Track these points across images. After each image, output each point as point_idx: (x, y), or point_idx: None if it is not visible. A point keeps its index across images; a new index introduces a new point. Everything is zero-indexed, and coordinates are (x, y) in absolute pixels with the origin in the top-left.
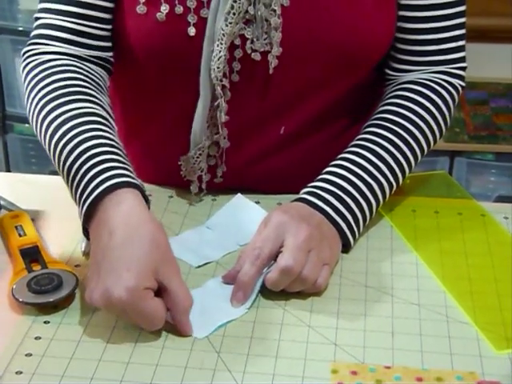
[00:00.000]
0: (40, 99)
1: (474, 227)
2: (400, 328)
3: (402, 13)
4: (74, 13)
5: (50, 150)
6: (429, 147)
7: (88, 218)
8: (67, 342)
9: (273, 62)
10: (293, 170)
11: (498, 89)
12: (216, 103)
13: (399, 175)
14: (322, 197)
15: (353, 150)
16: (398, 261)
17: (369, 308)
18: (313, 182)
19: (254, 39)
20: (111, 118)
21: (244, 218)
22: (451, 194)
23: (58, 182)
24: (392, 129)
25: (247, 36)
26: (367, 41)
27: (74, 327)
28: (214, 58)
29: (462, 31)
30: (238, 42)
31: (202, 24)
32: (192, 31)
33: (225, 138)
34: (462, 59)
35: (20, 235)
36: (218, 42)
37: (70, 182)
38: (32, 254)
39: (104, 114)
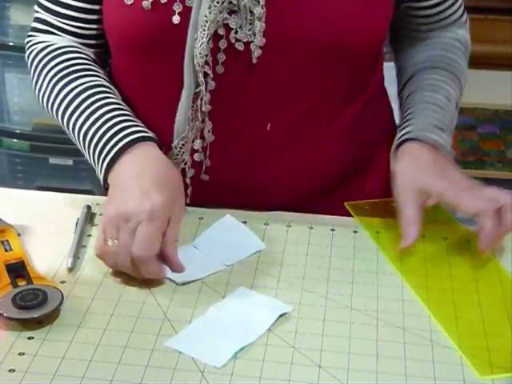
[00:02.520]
0: (50, 79)
1: (459, 252)
2: (384, 351)
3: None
4: (56, 11)
5: (64, 120)
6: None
7: (108, 172)
8: (51, 359)
9: (255, 52)
10: (283, 170)
11: (486, 114)
12: (197, 90)
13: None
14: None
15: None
16: (384, 284)
17: (353, 330)
18: (407, 122)
19: (238, 29)
20: (115, 88)
21: (232, 238)
22: (437, 219)
23: (44, 197)
24: (448, 69)
25: (231, 26)
26: (355, 33)
27: (59, 343)
28: (196, 45)
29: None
30: (222, 31)
31: (186, 12)
32: (177, 19)
33: (209, 131)
34: (464, 12)
35: (6, 250)
36: (201, 29)
37: (87, 144)
38: (17, 270)
39: (109, 85)
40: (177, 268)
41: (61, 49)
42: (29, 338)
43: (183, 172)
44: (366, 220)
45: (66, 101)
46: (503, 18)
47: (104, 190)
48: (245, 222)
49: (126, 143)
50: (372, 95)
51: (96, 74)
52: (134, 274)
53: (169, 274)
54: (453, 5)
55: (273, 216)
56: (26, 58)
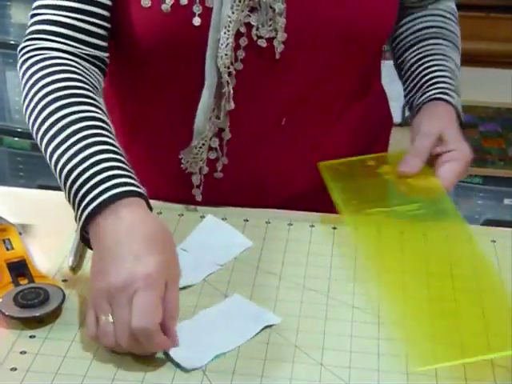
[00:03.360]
0: (40, 99)
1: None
2: (386, 349)
3: None
4: (72, 7)
5: (47, 152)
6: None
7: (87, 223)
8: (52, 357)
9: (278, 48)
10: (294, 165)
11: (487, 113)
12: (223, 90)
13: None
14: (452, 96)
15: (440, 55)
16: (385, 282)
17: (355, 329)
18: (434, 83)
19: (259, 26)
20: (109, 121)
21: (218, 238)
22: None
23: (46, 196)
24: (447, 38)
25: (252, 23)
26: (373, 22)
27: (60, 342)
28: (221, 46)
29: None
30: (243, 29)
31: (206, 14)
32: (197, 21)
33: (227, 129)
34: None
35: (7, 249)
36: (225, 30)
37: (69, 186)
38: (19, 268)
39: (104, 118)
40: (174, 344)
41: (58, 66)
42: (30, 337)
43: (200, 170)
44: (337, 186)
45: (54, 129)
46: (504, 15)
47: (80, 238)
48: (246, 221)
49: (115, 194)
50: (376, 89)
51: (90, 101)
52: (138, 352)
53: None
54: None
55: (275, 214)
56: (19, 66)
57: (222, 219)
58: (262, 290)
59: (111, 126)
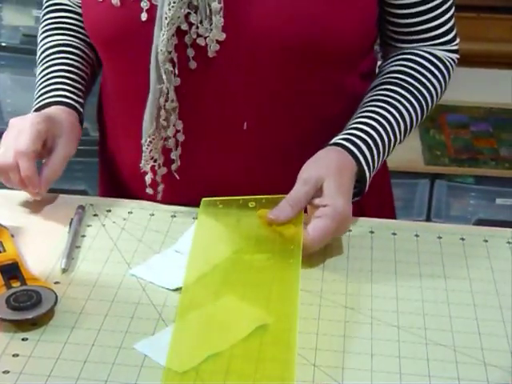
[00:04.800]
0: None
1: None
2: (379, 350)
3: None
4: None
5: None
6: (429, 111)
7: None
8: (45, 360)
9: (212, 46)
10: (258, 170)
11: (479, 113)
12: (163, 88)
13: (407, 133)
14: (358, 145)
15: (380, 104)
16: (379, 282)
17: (348, 329)
18: (348, 129)
19: (199, 24)
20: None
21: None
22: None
23: (38, 199)
24: (409, 89)
25: (192, 21)
26: (321, 37)
27: (53, 344)
28: (161, 42)
29: (451, 11)
30: (185, 27)
31: (153, 10)
32: (144, 16)
33: (180, 130)
34: (455, 37)
35: None
36: (162, 26)
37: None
38: (11, 271)
39: (82, 47)
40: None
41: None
42: (23, 340)
43: (153, 170)
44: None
45: (41, 51)
46: (495, 16)
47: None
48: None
49: (45, 104)
50: (352, 101)
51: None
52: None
53: (161, 281)
54: (437, 18)
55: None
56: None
57: (193, 218)
58: (255, 290)
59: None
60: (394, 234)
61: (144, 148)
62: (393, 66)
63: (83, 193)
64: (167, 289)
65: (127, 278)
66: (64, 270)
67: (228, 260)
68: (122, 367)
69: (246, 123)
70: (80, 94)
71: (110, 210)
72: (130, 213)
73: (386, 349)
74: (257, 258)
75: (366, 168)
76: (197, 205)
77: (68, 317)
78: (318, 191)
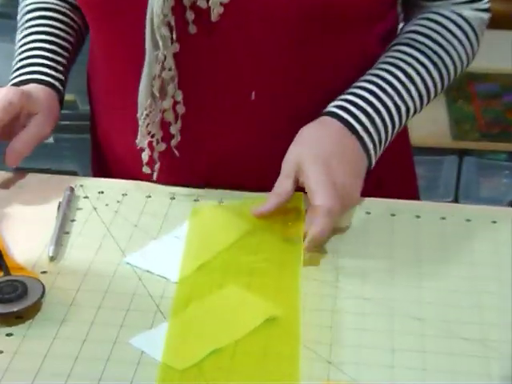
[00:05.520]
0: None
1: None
2: (400, 344)
3: None
4: None
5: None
6: (451, 78)
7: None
8: (32, 357)
9: (215, 9)
10: (267, 145)
11: None
12: (155, 53)
13: (424, 101)
14: (352, 112)
15: (385, 67)
16: (399, 271)
17: (366, 322)
18: (342, 95)
19: None
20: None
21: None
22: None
23: (22, 179)
24: (422, 51)
25: None
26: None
27: (41, 340)
28: (155, 3)
29: None
30: None
31: None
32: None
33: (178, 102)
34: None
35: None
36: None
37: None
38: None
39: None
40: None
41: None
42: (7, 335)
43: (150, 146)
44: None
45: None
46: None
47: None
48: (221, 202)
49: (22, 81)
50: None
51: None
52: None
53: (159, 270)
54: None
55: (253, 196)
56: None
57: (195, 200)
58: (262, 279)
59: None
60: (418, 216)
61: (140, 122)
62: (410, 26)
63: (73, 174)
64: (166, 278)
65: (122, 267)
66: (52, 258)
67: (230, 247)
68: (117, 364)
69: (253, 93)
70: (61, 68)
71: (102, 192)
72: (125, 195)
73: (408, 343)
74: (262, 246)
75: (366, 139)
76: (198, 186)
77: (57, 309)
78: (303, 177)
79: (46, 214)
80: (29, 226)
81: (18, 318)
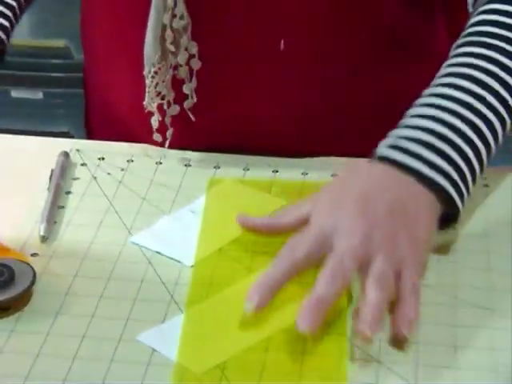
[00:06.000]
0: None
1: None
2: (466, 341)
3: None
4: None
5: None
6: None
7: None
8: (21, 357)
9: None
10: (297, 106)
11: None
12: None
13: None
14: (407, 149)
15: (443, 81)
16: (465, 248)
17: (425, 314)
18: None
19: None
20: None
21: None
22: None
23: (7, 143)
24: (494, 45)
25: None
26: None
27: (31, 336)
28: None
29: None
30: None
31: None
32: None
33: (193, 55)
34: None
35: None
36: None
37: None
38: None
39: None
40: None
41: None
42: None
43: (160, 109)
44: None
45: None
46: None
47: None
48: (247, 169)
49: None
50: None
51: None
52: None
53: (172, 251)
54: None
55: (282, 162)
56: None
57: (214, 168)
58: None
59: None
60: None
61: (148, 81)
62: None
63: (66, 135)
64: (180, 262)
65: (127, 248)
66: (44, 238)
67: None
68: (122, 365)
69: (283, 42)
70: (6, 11)
71: (103, 158)
72: (131, 161)
73: (476, 339)
74: None
75: (453, 192)
76: (218, 150)
77: (50, 300)
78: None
79: (36, 185)
80: (15, 200)
81: (4, 309)
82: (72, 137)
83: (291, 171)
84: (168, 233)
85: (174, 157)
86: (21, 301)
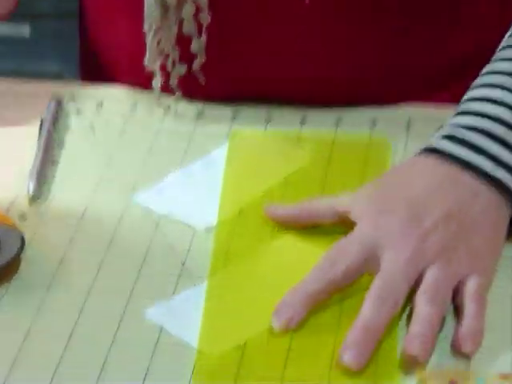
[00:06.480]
0: None
1: None
2: None
3: None
4: None
5: None
6: None
7: None
8: (7, 335)
9: None
10: (322, 60)
11: None
12: None
13: None
14: (470, 142)
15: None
16: None
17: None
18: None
19: None
20: None
21: None
22: None
23: None
24: None
25: None
26: None
27: (18, 313)
28: None
29: None
30: None
31: None
32: None
33: (201, 7)
34: None
35: None
36: None
37: None
38: None
39: None
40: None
41: None
42: None
43: (164, 70)
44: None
45: None
46: None
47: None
48: (268, 121)
49: None
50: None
51: None
52: None
53: (183, 213)
54: None
55: (314, 114)
56: None
57: (232, 117)
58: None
59: None
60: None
61: (149, 38)
62: None
63: (57, 76)
64: (192, 226)
65: (131, 210)
66: (33, 199)
67: (287, 183)
68: (126, 346)
69: None
70: None
71: (101, 104)
72: (134, 108)
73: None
74: (331, 181)
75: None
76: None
77: (41, 270)
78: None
79: (24, 136)
80: (1, 157)
81: None
82: (63, 77)
83: (321, 121)
84: (178, 191)
85: (186, 103)
86: (7, 271)
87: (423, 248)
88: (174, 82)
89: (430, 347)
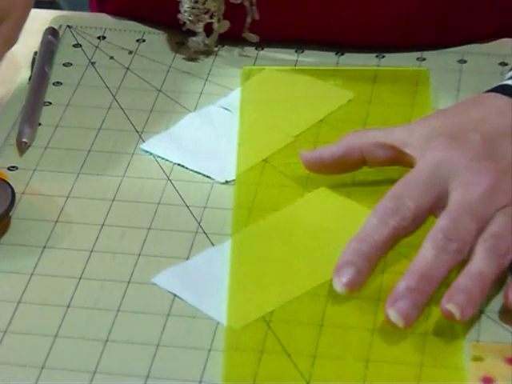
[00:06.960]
0: None
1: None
2: None
3: None
4: None
5: None
6: None
7: None
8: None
9: None
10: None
11: None
12: None
13: None
14: None
15: None
16: None
17: None
18: None
19: None
20: None
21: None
22: None
23: None
24: None
25: None
26: None
27: (10, 278)
28: None
29: None
30: None
31: None
32: None
33: None
34: None
35: None
36: None
37: None
38: None
39: None
40: None
41: None
42: None
43: (208, 28)
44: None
45: None
46: None
47: None
48: (301, 52)
49: None
50: None
51: None
52: None
53: (198, 163)
54: None
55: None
56: None
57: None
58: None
59: None
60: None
61: None
62: None
63: (52, 5)
64: (210, 177)
65: (138, 159)
66: (25, 146)
67: (320, 125)
68: (132, 316)
69: None
70: None
71: (103, 37)
72: (142, 41)
73: None
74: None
75: None
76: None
77: (35, 229)
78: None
79: (14, 73)
80: None
81: None
82: (59, 7)
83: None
84: (192, 137)
85: (201, 37)
86: None
87: (498, 188)
88: (214, 38)
89: (473, 307)
